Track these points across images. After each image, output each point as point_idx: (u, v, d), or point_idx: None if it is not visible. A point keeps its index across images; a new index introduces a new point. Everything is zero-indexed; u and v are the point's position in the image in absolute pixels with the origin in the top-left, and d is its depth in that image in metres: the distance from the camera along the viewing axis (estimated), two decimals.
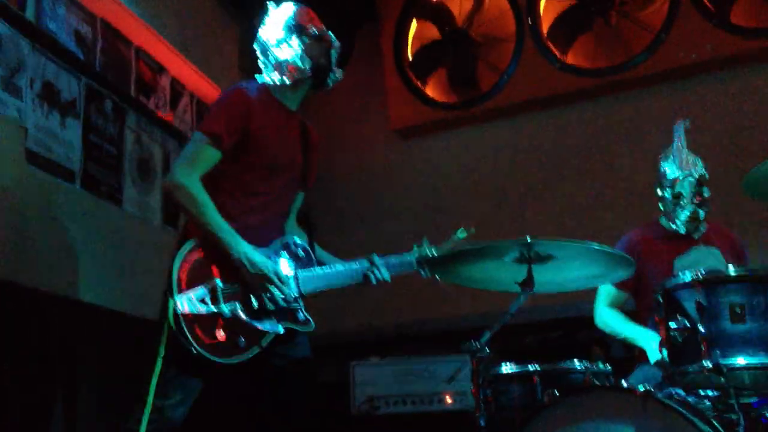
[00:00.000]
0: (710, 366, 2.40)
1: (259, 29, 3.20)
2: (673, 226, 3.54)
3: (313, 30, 3.13)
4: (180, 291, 2.73)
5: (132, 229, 4.21)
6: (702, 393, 2.64)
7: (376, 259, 3.11)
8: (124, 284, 4.04)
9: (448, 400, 4.83)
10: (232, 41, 5.41)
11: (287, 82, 3.11)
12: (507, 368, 2.91)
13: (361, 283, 3.11)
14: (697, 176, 3.49)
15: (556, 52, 5.52)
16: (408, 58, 6.02)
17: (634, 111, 5.37)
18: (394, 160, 6.04)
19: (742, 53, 5.02)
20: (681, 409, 2.41)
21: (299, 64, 3.09)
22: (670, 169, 3.54)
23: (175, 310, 2.69)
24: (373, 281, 3.09)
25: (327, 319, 5.90)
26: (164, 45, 4.48)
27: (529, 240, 2.70)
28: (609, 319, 3.59)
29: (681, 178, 3.49)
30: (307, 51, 3.10)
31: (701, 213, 3.48)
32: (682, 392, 2.63)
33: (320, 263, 3.14)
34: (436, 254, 3.19)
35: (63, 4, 3.76)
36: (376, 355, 5.10)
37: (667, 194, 3.52)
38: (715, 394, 2.60)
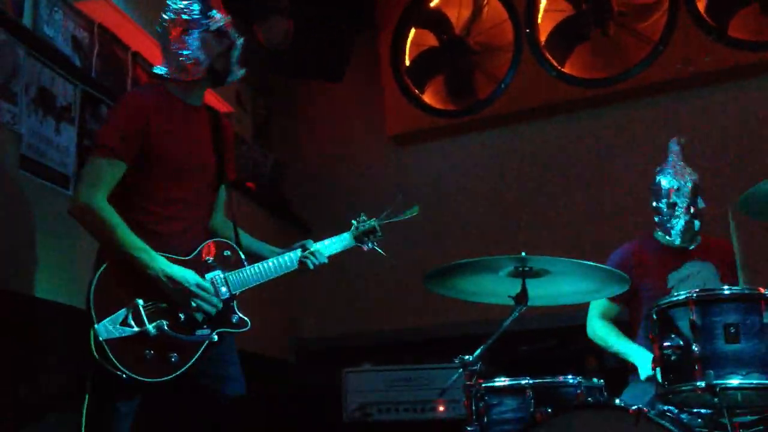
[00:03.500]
0: (703, 386, 2.39)
1: (162, 14, 3.00)
2: (669, 238, 3.55)
3: (214, 24, 2.95)
4: (100, 317, 2.63)
5: None
6: (695, 411, 2.64)
7: (310, 245, 3.09)
8: None
9: (441, 408, 4.83)
10: None
11: (185, 78, 2.94)
12: (500, 381, 2.90)
13: (297, 270, 3.07)
14: (691, 185, 3.51)
15: (554, 62, 5.53)
16: (405, 65, 6.03)
17: (631, 122, 5.38)
18: (389, 166, 6.04)
19: (740, 66, 5.03)
20: (673, 427, 2.41)
21: (195, 60, 2.91)
22: (665, 180, 3.56)
23: (96, 339, 2.59)
24: (310, 266, 3.08)
25: (320, 326, 5.94)
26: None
27: (523, 255, 2.71)
28: (601, 332, 3.60)
29: (676, 188, 3.51)
30: (204, 47, 2.93)
31: (696, 223, 3.50)
32: (674, 410, 2.63)
33: (252, 255, 3.06)
34: (375, 225, 3.25)
35: (60, 9, 3.74)
36: (369, 362, 5.09)
37: (662, 205, 3.54)
38: (708, 412, 2.59)
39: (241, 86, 5.55)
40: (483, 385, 2.83)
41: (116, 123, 2.89)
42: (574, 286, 2.95)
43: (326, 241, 3.16)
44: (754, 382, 2.38)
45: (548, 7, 5.66)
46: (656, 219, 3.60)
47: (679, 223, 3.49)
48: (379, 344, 5.51)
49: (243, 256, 3.00)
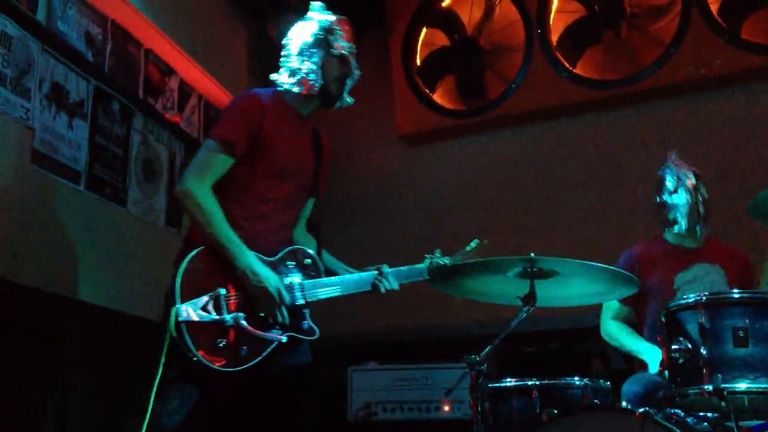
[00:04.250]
0: (711, 389, 2.39)
1: (293, 27, 3.16)
2: (675, 230, 3.55)
3: (338, 50, 3.08)
4: (183, 298, 2.70)
5: (136, 230, 4.22)
6: (701, 414, 2.64)
7: (386, 270, 3.13)
8: (126, 285, 4.04)
9: (446, 408, 4.83)
10: (242, 45, 5.42)
11: (299, 91, 3.07)
12: (506, 382, 2.90)
13: (368, 292, 3.13)
14: (693, 176, 3.58)
15: (565, 63, 5.51)
16: (416, 65, 6.02)
17: (642, 124, 5.36)
18: (399, 166, 6.04)
19: (753, 70, 5.00)
20: (679, 430, 2.41)
21: (312, 79, 3.04)
22: (667, 176, 3.62)
23: (177, 318, 2.66)
24: (382, 290, 3.11)
25: (325, 323, 5.91)
26: (173, 47, 4.48)
27: (532, 256, 2.71)
28: (614, 332, 3.61)
29: (677, 179, 3.57)
30: (323, 69, 3.06)
31: (701, 208, 3.52)
32: (681, 413, 2.63)
33: (328, 272, 3.14)
34: (449, 263, 3.21)
35: (74, 5, 3.77)
36: (374, 360, 5.09)
37: (666, 195, 3.59)
38: (715, 416, 2.59)
39: (252, 83, 5.56)
40: (489, 385, 2.83)
41: (234, 118, 2.99)
42: (583, 288, 2.94)
43: (401, 269, 3.20)
44: (762, 386, 2.38)
45: (560, 8, 5.64)
46: (662, 215, 3.62)
47: (684, 206, 3.53)
48: (385, 343, 5.50)
49: (322, 268, 3.10)
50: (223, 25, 5.22)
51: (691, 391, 2.47)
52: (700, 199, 3.56)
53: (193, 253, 2.80)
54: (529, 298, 2.76)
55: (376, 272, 3.13)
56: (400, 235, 5.63)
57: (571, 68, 5.50)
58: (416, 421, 4.82)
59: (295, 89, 3.07)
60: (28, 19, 3.45)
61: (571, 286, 2.91)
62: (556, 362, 4.77)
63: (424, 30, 6.07)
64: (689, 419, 2.61)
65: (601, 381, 2.93)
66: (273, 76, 3.15)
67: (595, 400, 2.82)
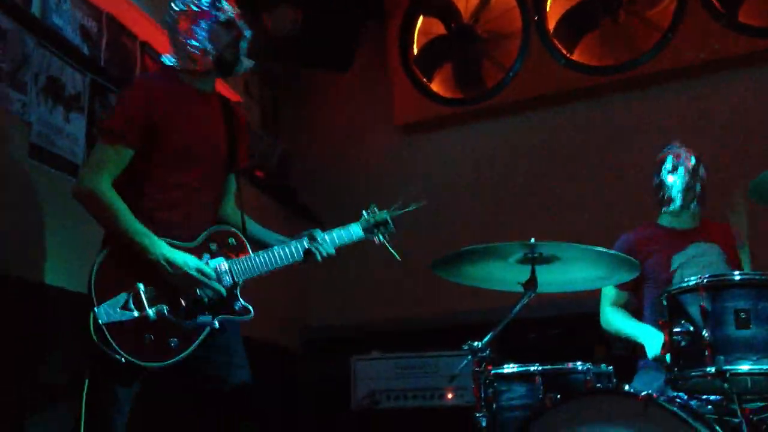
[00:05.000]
0: (714, 371, 2.40)
1: (171, 4, 3.02)
2: (670, 208, 3.54)
3: (222, 15, 2.96)
4: (100, 301, 2.64)
5: None
6: (704, 397, 2.64)
7: (318, 234, 3.01)
8: None
9: (450, 395, 4.85)
10: None
11: (193, 66, 2.96)
12: (509, 368, 2.90)
13: (303, 261, 2.99)
14: (693, 158, 3.56)
15: (563, 50, 5.51)
16: (414, 54, 6.02)
17: (640, 110, 5.36)
18: (398, 155, 6.04)
19: (751, 53, 5.00)
20: (683, 413, 2.41)
21: (203, 51, 2.93)
22: (669, 154, 3.61)
23: (96, 322, 2.60)
24: (318, 258, 2.99)
25: (329, 314, 5.95)
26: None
27: (533, 242, 2.70)
28: (612, 319, 3.60)
29: (677, 158, 3.56)
30: (212, 38, 2.94)
31: (698, 186, 3.52)
32: (684, 396, 2.63)
33: (259, 243, 3.03)
34: (387, 217, 3.16)
35: None
36: (377, 349, 5.10)
37: (664, 174, 3.57)
38: (718, 398, 2.59)
39: (249, 75, 5.55)
40: (492, 371, 2.82)
41: (122, 108, 2.89)
42: (584, 273, 2.94)
43: (334, 232, 3.06)
44: (765, 367, 2.39)
45: None
46: (659, 196, 3.61)
47: (680, 182, 3.52)
48: (387, 332, 5.52)
49: (248, 245, 2.97)
50: None
51: (693, 374, 2.48)
52: (698, 178, 3.54)
53: (104, 252, 2.73)
54: (531, 283, 2.77)
55: (307, 239, 2.99)
56: (401, 222, 5.62)
57: (568, 55, 5.50)
58: (420, 409, 4.85)
59: (189, 66, 2.96)
60: (22, 13, 3.43)
61: (573, 271, 2.91)
62: (559, 347, 4.77)
63: (421, 19, 6.07)
64: (692, 402, 2.61)
65: (604, 365, 2.92)
66: (163, 59, 3.04)
67: (598, 385, 2.82)
